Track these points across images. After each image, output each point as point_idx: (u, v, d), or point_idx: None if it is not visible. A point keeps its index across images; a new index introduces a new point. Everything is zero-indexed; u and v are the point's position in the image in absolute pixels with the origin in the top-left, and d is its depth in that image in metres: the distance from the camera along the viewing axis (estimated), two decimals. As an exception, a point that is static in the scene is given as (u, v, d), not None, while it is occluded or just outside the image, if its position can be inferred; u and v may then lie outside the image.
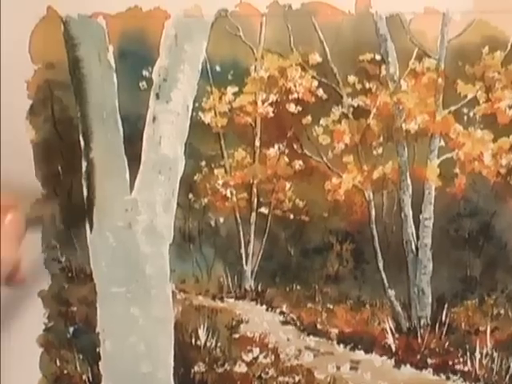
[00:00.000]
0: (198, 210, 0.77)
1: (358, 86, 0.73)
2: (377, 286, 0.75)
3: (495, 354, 0.73)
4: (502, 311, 0.74)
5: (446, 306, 0.74)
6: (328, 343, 0.76)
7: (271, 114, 0.75)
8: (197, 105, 0.75)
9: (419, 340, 0.75)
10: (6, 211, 0.66)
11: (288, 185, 0.76)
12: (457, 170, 0.73)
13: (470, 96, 0.72)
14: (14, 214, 0.66)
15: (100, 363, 0.76)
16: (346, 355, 0.76)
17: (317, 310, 0.77)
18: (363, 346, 0.76)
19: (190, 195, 0.76)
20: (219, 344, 0.77)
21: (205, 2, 0.72)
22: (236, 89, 0.74)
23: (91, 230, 0.75)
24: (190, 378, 0.77)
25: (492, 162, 0.73)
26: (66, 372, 0.79)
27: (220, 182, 0.77)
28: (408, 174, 0.74)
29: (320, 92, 0.74)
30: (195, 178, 0.76)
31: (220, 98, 0.75)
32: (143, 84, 0.74)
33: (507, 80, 0.71)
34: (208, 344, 0.76)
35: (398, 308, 0.75)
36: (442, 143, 0.74)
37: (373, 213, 0.75)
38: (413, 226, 0.75)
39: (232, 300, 0.78)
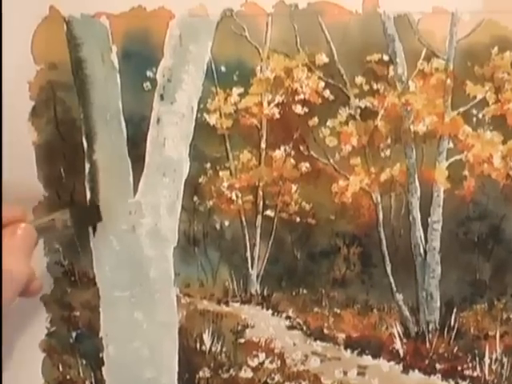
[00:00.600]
0: (202, 213, 0.76)
1: (366, 87, 0.73)
2: (384, 290, 0.75)
3: (505, 360, 0.73)
4: (512, 315, 0.73)
5: (454, 310, 0.74)
6: (335, 348, 0.76)
7: (277, 116, 0.74)
8: (202, 106, 0.74)
9: (427, 345, 0.74)
10: (15, 225, 0.65)
11: (294, 187, 0.75)
12: (466, 173, 0.73)
13: (479, 97, 0.71)
14: (24, 227, 0.65)
15: (103, 368, 0.76)
16: (354, 360, 0.75)
17: (324, 315, 0.76)
18: (371, 351, 0.75)
19: (195, 198, 0.76)
20: (224, 349, 0.76)
21: (210, 2, 0.71)
22: (241, 90, 0.74)
23: (94, 234, 0.75)
24: (195, 383, 0.76)
25: (502, 164, 0.72)
26: (68, 377, 0.78)
27: (225, 184, 0.76)
28: (416, 176, 0.74)
29: (327, 93, 0.73)
30: (200, 180, 0.75)
31: (225, 99, 0.74)
32: (147, 85, 0.73)
33: (517, 81, 0.71)
34: (213, 349, 0.76)
35: (406, 312, 0.75)
36: (451, 145, 0.73)
37: (380, 216, 0.74)
38: (421, 229, 0.74)
39: (237, 304, 0.77)
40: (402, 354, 0.74)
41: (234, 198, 0.76)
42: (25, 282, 0.64)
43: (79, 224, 0.72)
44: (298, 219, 0.76)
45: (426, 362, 0.74)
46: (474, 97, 0.71)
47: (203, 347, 0.76)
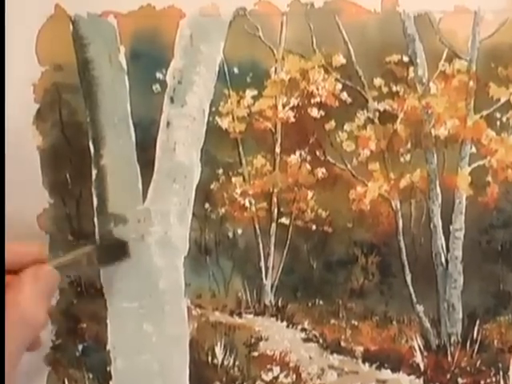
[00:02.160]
0: (214, 221, 0.75)
1: (385, 89, 0.72)
2: (404, 301, 0.74)
3: (530, 374, 0.73)
4: (537, 328, 0.73)
5: (477, 322, 0.73)
6: (352, 362, 0.74)
7: (292, 119, 0.74)
8: (213, 109, 0.73)
9: (449, 358, 0.73)
10: (39, 267, 0.60)
11: (310, 194, 0.74)
12: (489, 178, 0.72)
13: (503, 100, 0.71)
14: (48, 272, 0.60)
15: (111, 383, 0.75)
16: (372, 374, 0.74)
17: (341, 327, 0.75)
18: (390, 364, 0.74)
19: (207, 205, 0.75)
20: (237, 363, 0.75)
21: (222, 0, 0.71)
22: (255, 92, 0.73)
23: (102, 242, 0.74)
24: (207, 398, 0.76)
25: (527, 169, 0.72)
26: (74, 392, 0.78)
27: (238, 190, 0.75)
28: (437, 182, 0.73)
29: (344, 95, 0.73)
30: (212, 186, 0.74)
31: (238, 102, 0.73)
32: (157, 87, 0.73)
33: (543, 83, 0.71)
34: (225, 363, 0.75)
35: (427, 324, 0.74)
36: (474, 150, 0.72)
37: (400, 223, 0.73)
38: (442, 238, 0.73)
39: (251, 316, 0.76)
40: (422, 368, 0.73)
41: (247, 205, 0.75)
42: (39, 332, 0.60)
43: (105, 261, 0.70)
44: (313, 227, 0.75)
45: (448, 376, 0.73)
46: (498, 99, 0.71)
47: (215, 361, 0.75)
